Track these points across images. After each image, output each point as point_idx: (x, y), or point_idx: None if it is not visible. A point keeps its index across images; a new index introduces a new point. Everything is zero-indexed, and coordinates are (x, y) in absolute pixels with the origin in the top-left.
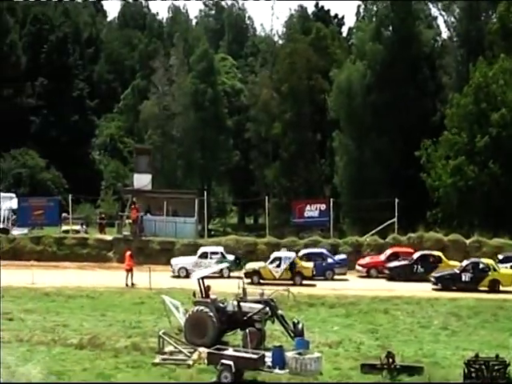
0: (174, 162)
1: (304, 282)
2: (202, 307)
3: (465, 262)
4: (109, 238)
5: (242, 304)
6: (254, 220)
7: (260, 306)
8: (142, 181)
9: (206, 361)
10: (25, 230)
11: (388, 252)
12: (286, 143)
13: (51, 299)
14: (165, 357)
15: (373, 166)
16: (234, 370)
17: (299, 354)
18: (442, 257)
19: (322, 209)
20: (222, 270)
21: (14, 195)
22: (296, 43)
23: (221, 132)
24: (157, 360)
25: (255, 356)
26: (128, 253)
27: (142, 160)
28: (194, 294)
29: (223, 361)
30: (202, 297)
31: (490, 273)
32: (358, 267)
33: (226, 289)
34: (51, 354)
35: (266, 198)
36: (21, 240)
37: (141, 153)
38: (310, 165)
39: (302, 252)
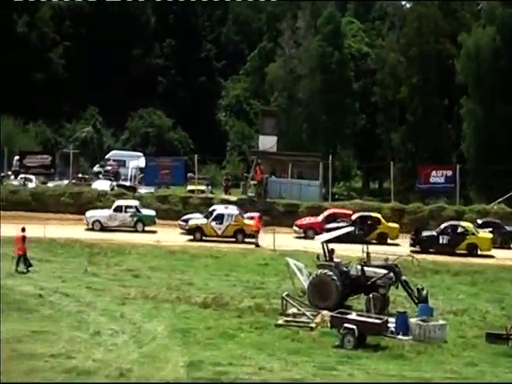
0: (300, 125)
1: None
2: (325, 270)
3: (443, 225)
4: (233, 198)
5: (365, 269)
6: (378, 184)
7: (384, 271)
8: (267, 143)
9: (328, 324)
10: (151, 189)
11: (325, 213)
12: (412, 108)
13: (176, 257)
14: (288, 319)
15: (501, 132)
16: (357, 334)
17: (423, 320)
18: (381, 218)
19: (448, 175)
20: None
21: (141, 154)
22: (424, 7)
23: (347, 95)
24: (280, 321)
25: (378, 321)
26: (256, 214)
27: (267, 122)
28: (318, 257)
29: (346, 325)
30: (326, 260)
31: (467, 237)
32: (295, 227)
33: (350, 253)
34: (176, 311)
35: (392, 162)
36: (147, 198)
37: (267, 115)
38: (437, 130)
39: None
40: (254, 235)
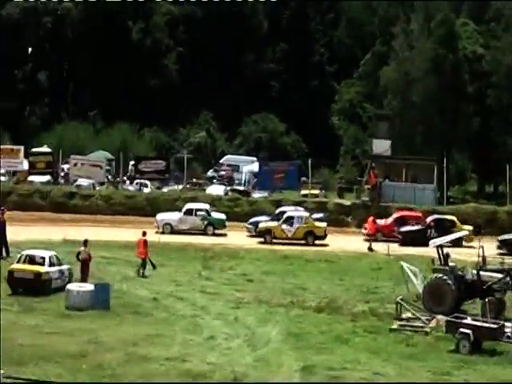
0: (413, 128)
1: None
2: (440, 275)
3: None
4: (347, 202)
5: (481, 273)
6: (493, 188)
7: (500, 276)
8: (381, 147)
9: (443, 329)
10: (265, 193)
11: (394, 216)
12: None
13: (289, 262)
14: (402, 323)
15: None
16: (472, 339)
17: None
18: (456, 221)
19: None
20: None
21: (255, 159)
22: None
23: (461, 98)
24: (394, 326)
25: (494, 326)
26: (370, 218)
27: (381, 126)
28: (433, 262)
29: (462, 329)
30: (441, 264)
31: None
32: (363, 230)
33: (465, 257)
34: (289, 315)
35: (507, 165)
36: (261, 202)
37: (380, 118)
38: None
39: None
40: (323, 237)
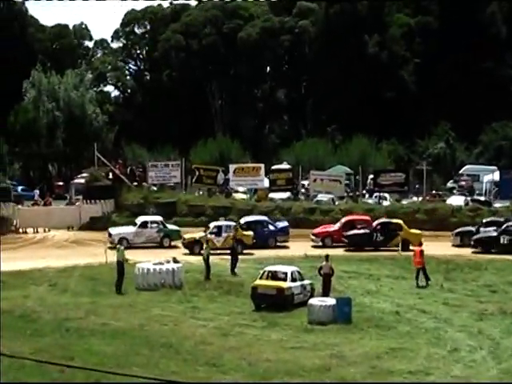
0: None
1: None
2: None
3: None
4: None
5: None
6: None
7: None
8: None
9: None
10: (507, 203)
11: (342, 220)
12: None
13: None
14: None
15: None
16: None
17: None
18: (403, 225)
19: None
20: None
21: (495, 168)
22: None
23: None
24: None
25: None
26: None
27: None
28: None
29: None
30: None
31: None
32: (312, 236)
33: None
34: None
35: None
36: (502, 211)
37: None
38: None
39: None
40: None
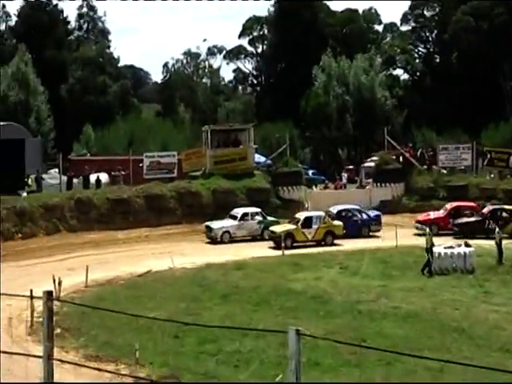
0: None
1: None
2: None
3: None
4: None
5: None
6: None
7: None
8: None
9: None
10: None
11: (448, 207)
12: None
13: None
14: None
15: None
16: None
17: None
18: None
19: None
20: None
21: None
22: None
23: None
24: None
25: None
26: None
27: None
28: None
29: None
30: None
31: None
32: (416, 224)
33: None
34: None
35: None
36: None
37: None
38: None
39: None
40: None
